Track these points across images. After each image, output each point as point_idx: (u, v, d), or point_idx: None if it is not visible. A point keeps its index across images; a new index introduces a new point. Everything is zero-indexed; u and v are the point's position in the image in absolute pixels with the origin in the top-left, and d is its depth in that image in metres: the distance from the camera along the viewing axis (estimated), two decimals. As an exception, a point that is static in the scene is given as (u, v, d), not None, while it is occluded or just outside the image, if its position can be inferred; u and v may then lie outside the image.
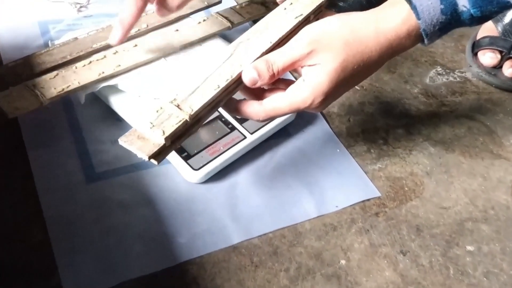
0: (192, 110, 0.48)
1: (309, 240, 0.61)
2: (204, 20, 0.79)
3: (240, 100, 0.52)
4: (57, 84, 0.62)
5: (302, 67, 0.52)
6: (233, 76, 0.52)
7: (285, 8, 0.59)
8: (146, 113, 0.48)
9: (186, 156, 0.64)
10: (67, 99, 0.68)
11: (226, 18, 0.79)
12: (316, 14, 0.62)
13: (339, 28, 0.51)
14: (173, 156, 0.64)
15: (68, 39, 0.70)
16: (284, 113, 0.53)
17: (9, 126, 0.63)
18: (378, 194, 0.68)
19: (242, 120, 0.70)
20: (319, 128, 0.76)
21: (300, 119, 0.75)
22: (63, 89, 0.62)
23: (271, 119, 0.54)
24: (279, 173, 0.68)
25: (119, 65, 0.67)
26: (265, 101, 0.53)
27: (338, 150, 0.73)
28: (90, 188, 0.60)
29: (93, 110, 0.68)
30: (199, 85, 0.51)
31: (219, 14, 0.80)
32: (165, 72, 0.70)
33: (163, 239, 0.57)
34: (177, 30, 0.76)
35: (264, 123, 0.70)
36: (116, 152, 0.65)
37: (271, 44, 0.54)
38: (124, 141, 0.47)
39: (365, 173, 0.71)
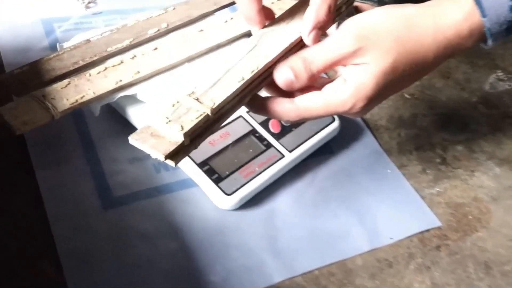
0: (214, 103, 0.48)
1: (361, 279, 0.61)
2: (231, 19, 0.79)
3: (268, 97, 0.51)
4: (69, 94, 0.62)
5: (344, 66, 0.52)
6: (259, 68, 0.52)
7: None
8: (161, 108, 0.48)
9: (217, 179, 0.64)
10: (78, 111, 0.68)
11: (256, 15, 0.79)
12: (348, 5, 0.62)
13: (390, 22, 0.51)
14: (201, 179, 0.64)
15: (79, 41, 0.70)
16: (318, 115, 0.52)
17: (13, 141, 0.62)
18: (438, 223, 0.68)
19: (279, 136, 0.70)
20: (366, 145, 0.76)
21: (344, 134, 0.75)
22: (76, 100, 0.62)
23: (302, 120, 0.54)
24: (323, 198, 0.68)
25: (138, 72, 0.67)
26: (297, 99, 0.52)
27: (389, 171, 0.73)
28: (107, 215, 0.60)
29: (108, 124, 0.68)
30: (221, 77, 0.51)
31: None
32: (189, 79, 0.70)
33: (193, 276, 0.57)
34: (201, 30, 0.76)
35: (303, 140, 0.70)
36: (136, 173, 0.65)
37: (299, 35, 0.55)
38: (135, 139, 0.47)
39: (422, 198, 0.71)
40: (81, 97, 0.63)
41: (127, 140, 0.69)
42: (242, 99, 0.51)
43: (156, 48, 0.71)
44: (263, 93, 0.54)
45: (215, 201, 0.64)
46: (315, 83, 0.53)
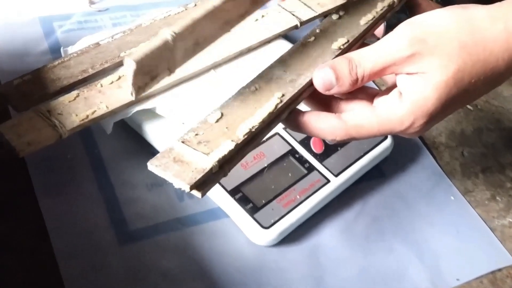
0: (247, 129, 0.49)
1: (424, 328, 0.60)
2: (262, 17, 0.79)
3: (310, 112, 0.51)
4: (79, 108, 0.62)
5: (397, 74, 0.52)
6: (300, 83, 0.52)
7: (339, 17, 0.61)
8: (186, 126, 0.49)
9: (252, 209, 0.64)
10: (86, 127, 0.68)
11: (291, 13, 0.79)
12: (403, 2, 0.63)
13: (454, 25, 0.50)
14: (233, 208, 0.64)
15: (86, 45, 0.70)
16: (370, 134, 0.52)
17: (14, 164, 0.63)
18: (512, 261, 0.67)
19: (322, 157, 0.69)
20: (423, 166, 0.75)
21: (397, 154, 0.75)
22: (87, 116, 0.61)
23: (351, 140, 0.54)
24: (375, 230, 0.68)
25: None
26: (346, 115, 0.52)
27: (451, 197, 0.73)
28: (123, 251, 0.60)
29: (122, 143, 0.68)
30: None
31: (281, 8, 0.80)
32: (215, 89, 0.69)
33: (225, 325, 0.57)
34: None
35: (351, 161, 0.70)
36: (155, 201, 0.65)
37: (345, 43, 0.56)
38: (155, 166, 0.46)
39: (492, 230, 0.70)
40: (92, 112, 0.63)
41: (144, 162, 0.68)
42: (279, 115, 0.51)
43: (177, 53, 0.71)
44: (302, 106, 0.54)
45: (249, 235, 0.64)
46: (359, 93, 0.54)
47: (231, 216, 0.64)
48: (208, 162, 0.45)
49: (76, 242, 0.60)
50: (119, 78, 0.66)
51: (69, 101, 0.63)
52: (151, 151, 0.68)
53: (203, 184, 0.45)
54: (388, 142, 0.72)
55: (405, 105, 0.50)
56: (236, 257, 0.62)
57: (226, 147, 0.46)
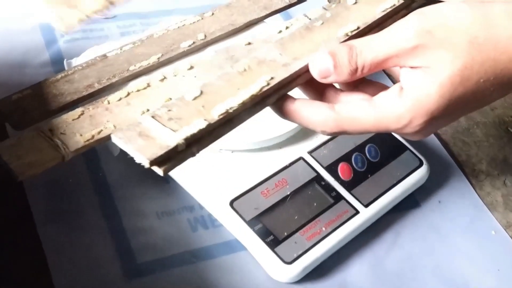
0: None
1: None
2: (287, 28, 0.78)
3: (300, 100, 0.50)
4: (83, 127, 0.62)
5: (400, 67, 0.52)
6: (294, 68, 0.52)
7: (355, 2, 0.59)
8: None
9: (273, 242, 0.63)
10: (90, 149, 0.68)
11: (318, 23, 0.79)
12: None
13: (465, 18, 0.49)
14: (252, 241, 0.63)
15: (92, 57, 0.70)
16: (364, 129, 0.51)
17: (12, 188, 0.63)
18: (562, 304, 0.67)
19: (351, 185, 0.69)
20: (462, 196, 0.75)
21: (433, 183, 0.74)
22: (92, 136, 0.61)
23: (342, 133, 0.53)
24: (408, 266, 0.68)
25: (170, 98, 0.66)
26: (339, 106, 0.51)
27: (493, 232, 0.73)
28: (130, 287, 0.60)
29: (129, 166, 0.67)
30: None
31: (307, 17, 0.80)
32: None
33: None
34: (249, 43, 0.76)
35: (382, 190, 0.70)
36: (166, 232, 0.65)
37: (354, 30, 0.54)
38: (119, 138, 0.47)
39: (538, 269, 0.69)
40: (99, 132, 0.62)
41: (153, 188, 0.70)
42: (264, 100, 0.51)
43: (191, 67, 0.71)
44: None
45: (270, 271, 0.63)
46: (364, 86, 0.54)
47: (250, 250, 0.64)
48: (174, 139, 0.45)
49: (79, 276, 0.59)
50: (128, 94, 0.66)
51: (73, 119, 0.62)
52: (163, 177, 0.67)
53: (167, 161, 0.45)
54: (424, 169, 0.72)
55: (404, 101, 0.49)
56: (255, 296, 0.60)
57: (197, 125, 0.46)
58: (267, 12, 0.79)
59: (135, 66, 0.69)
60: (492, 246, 0.70)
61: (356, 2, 0.58)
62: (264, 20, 0.78)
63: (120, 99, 0.64)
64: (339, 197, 0.67)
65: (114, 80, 0.67)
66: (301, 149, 0.70)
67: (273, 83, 0.50)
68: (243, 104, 0.48)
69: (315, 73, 0.51)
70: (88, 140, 0.60)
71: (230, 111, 0.47)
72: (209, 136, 0.47)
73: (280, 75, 0.50)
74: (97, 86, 0.66)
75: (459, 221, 0.71)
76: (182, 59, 0.71)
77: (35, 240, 0.61)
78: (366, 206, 0.67)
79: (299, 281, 0.64)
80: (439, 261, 0.67)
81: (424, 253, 0.67)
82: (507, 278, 0.68)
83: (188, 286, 0.61)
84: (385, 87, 0.53)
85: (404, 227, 0.69)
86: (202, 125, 0.45)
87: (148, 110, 0.64)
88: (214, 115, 0.47)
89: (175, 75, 0.68)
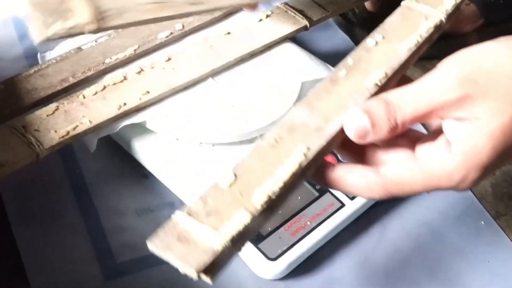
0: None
1: None
2: (267, 16, 0.78)
3: (341, 166, 0.48)
4: (58, 123, 0.62)
5: (443, 119, 0.50)
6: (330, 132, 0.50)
7: (376, 43, 0.56)
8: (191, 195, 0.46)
9: (256, 238, 0.63)
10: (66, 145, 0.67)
11: (300, 12, 0.79)
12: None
13: (507, 61, 0.49)
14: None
15: (66, 50, 0.70)
16: (413, 191, 0.50)
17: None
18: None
19: (336, 177, 0.68)
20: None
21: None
22: (67, 132, 0.61)
23: (391, 198, 0.52)
24: (398, 262, 0.67)
25: (147, 92, 0.67)
26: (385, 169, 0.50)
27: (482, 223, 0.72)
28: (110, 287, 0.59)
29: (107, 162, 0.67)
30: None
31: (288, 6, 0.79)
32: (215, 100, 0.69)
33: None
34: (228, 33, 0.75)
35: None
36: (145, 230, 0.62)
37: (382, 78, 0.51)
38: (156, 245, 0.44)
39: (528, 259, 0.69)
40: (74, 128, 0.62)
41: (133, 185, 0.69)
42: (304, 173, 0.47)
43: (169, 59, 0.71)
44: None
45: (253, 267, 0.63)
46: (399, 138, 0.50)
47: (233, 246, 0.62)
48: (218, 241, 0.41)
49: (57, 278, 0.59)
50: (104, 88, 0.66)
51: (47, 115, 0.62)
52: (141, 172, 0.67)
53: (213, 266, 0.41)
54: (409, 159, 0.71)
55: (455, 157, 0.47)
56: (239, 293, 0.59)
57: (240, 220, 0.42)
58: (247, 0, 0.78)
59: (111, 58, 0.69)
60: (482, 237, 0.69)
61: (377, 43, 0.55)
62: (244, 9, 0.78)
63: (96, 93, 0.64)
64: (324, 190, 0.66)
65: (89, 73, 0.67)
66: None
67: (310, 155, 0.46)
68: (284, 185, 0.45)
69: (352, 134, 0.48)
70: (63, 137, 0.60)
71: (272, 196, 0.44)
72: (253, 226, 0.43)
73: (316, 144, 0.47)
74: (71, 80, 0.66)
75: (448, 212, 0.70)
76: (160, 50, 0.71)
77: (10, 242, 0.60)
78: (352, 198, 0.66)
79: (284, 278, 0.63)
80: (428, 254, 0.67)
81: (413, 247, 0.66)
82: (498, 269, 0.67)
83: (170, 285, 0.61)
84: (421, 135, 0.51)
85: (391, 221, 0.69)
86: (246, 219, 0.42)
87: (125, 104, 0.64)
88: (256, 203, 0.43)
89: (153, 67, 0.68)
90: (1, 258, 0.59)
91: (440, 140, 0.48)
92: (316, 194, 0.67)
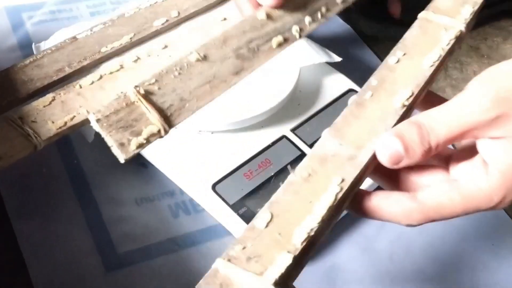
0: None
1: None
2: (263, 1, 0.77)
3: (377, 194, 0.46)
4: (55, 114, 0.61)
5: (477, 138, 0.50)
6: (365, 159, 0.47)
7: (398, 60, 0.55)
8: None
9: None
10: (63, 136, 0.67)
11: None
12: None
13: None
14: (237, 225, 0.62)
15: (61, 39, 0.69)
16: (453, 215, 0.48)
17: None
18: None
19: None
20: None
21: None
22: (65, 123, 0.60)
23: (429, 222, 0.51)
24: (402, 248, 0.67)
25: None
26: (422, 194, 0.49)
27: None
28: (111, 279, 0.59)
29: (106, 153, 0.66)
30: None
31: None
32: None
33: None
34: (224, 18, 0.75)
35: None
36: (146, 219, 0.64)
37: (409, 97, 0.51)
38: None
39: (534, 243, 0.69)
40: (71, 118, 0.61)
41: (133, 175, 0.68)
42: (341, 205, 0.46)
43: (166, 46, 0.70)
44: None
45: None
46: (431, 158, 0.49)
47: (235, 234, 0.63)
48: (263, 287, 0.41)
49: (57, 270, 0.59)
50: (101, 77, 0.65)
51: (44, 106, 0.61)
52: (141, 162, 0.67)
53: None
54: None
55: (493, 177, 0.47)
56: (242, 282, 0.60)
57: (282, 262, 0.41)
58: (242, -15, 0.77)
59: (106, 47, 0.68)
60: (486, 220, 0.69)
61: (398, 61, 0.54)
62: (239, -6, 0.77)
63: (93, 82, 0.64)
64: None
65: (85, 63, 0.66)
66: (284, 127, 0.69)
67: (345, 186, 0.45)
68: (322, 221, 0.43)
69: (385, 160, 0.47)
70: (60, 127, 0.59)
71: (312, 233, 0.43)
72: (295, 267, 0.42)
73: (350, 174, 0.46)
74: (67, 70, 0.65)
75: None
76: (156, 38, 0.70)
77: (10, 235, 0.60)
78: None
79: (286, 265, 0.62)
80: (432, 239, 0.67)
81: (416, 232, 0.66)
82: (502, 252, 0.67)
83: (171, 275, 0.60)
84: (452, 152, 0.51)
85: (394, 204, 0.67)
86: (288, 260, 0.40)
87: (122, 93, 0.63)
88: (296, 243, 0.42)
89: (149, 55, 0.67)
90: (0, 251, 0.58)
91: (476, 160, 0.47)
92: (318, 179, 0.66)
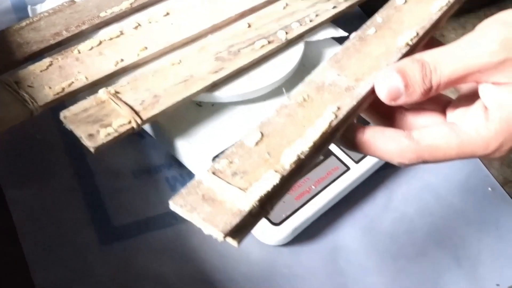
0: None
1: None
2: None
3: (371, 128, 0.46)
4: (53, 79, 0.61)
5: (479, 83, 0.49)
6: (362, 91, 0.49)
7: (405, 1, 0.56)
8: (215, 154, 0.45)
9: (260, 202, 0.62)
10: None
11: None
12: None
13: None
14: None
15: (59, 2, 0.68)
16: (447, 157, 0.48)
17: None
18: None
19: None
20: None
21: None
22: (63, 89, 0.60)
23: (423, 164, 0.51)
24: (405, 229, 0.66)
25: (145, 48, 0.65)
26: (418, 133, 0.48)
27: (489, 189, 0.72)
28: (106, 252, 0.59)
29: (102, 121, 0.66)
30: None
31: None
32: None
33: None
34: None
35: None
36: (143, 192, 0.63)
37: (413, 37, 0.50)
38: (180, 206, 0.42)
39: (539, 228, 0.68)
40: (69, 84, 0.61)
41: (130, 144, 0.68)
42: (333, 134, 0.46)
43: (168, 13, 0.70)
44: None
45: (256, 233, 0.62)
46: (427, 102, 0.49)
47: (234, 209, 0.62)
48: (246, 202, 0.39)
49: (51, 243, 0.58)
50: (100, 43, 0.65)
51: (41, 71, 0.61)
52: (138, 131, 0.66)
53: (240, 229, 0.39)
54: (417, 123, 0.71)
55: (493, 123, 0.46)
56: (242, 260, 0.61)
57: (269, 181, 0.41)
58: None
59: (106, 12, 0.68)
60: (489, 203, 0.69)
61: (406, 2, 0.54)
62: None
63: (92, 48, 0.64)
64: (328, 153, 0.65)
65: (83, 27, 0.66)
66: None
67: (340, 114, 0.45)
68: (314, 145, 0.43)
69: (383, 95, 0.46)
70: (58, 93, 0.59)
71: (302, 156, 0.42)
72: (281, 188, 0.42)
73: (347, 104, 0.46)
74: (65, 34, 0.65)
75: (455, 178, 0.70)
76: (157, 4, 0.70)
77: (2, 205, 0.59)
78: (357, 162, 0.66)
79: (288, 244, 0.62)
80: (434, 220, 0.67)
81: (420, 214, 0.66)
82: (506, 235, 0.67)
83: (168, 249, 0.60)
84: (449, 99, 0.50)
85: (398, 186, 0.68)
86: (275, 179, 0.40)
87: (122, 60, 0.63)
88: (285, 164, 0.42)
89: (150, 22, 0.67)
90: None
91: (477, 105, 0.46)
92: (321, 157, 0.66)
